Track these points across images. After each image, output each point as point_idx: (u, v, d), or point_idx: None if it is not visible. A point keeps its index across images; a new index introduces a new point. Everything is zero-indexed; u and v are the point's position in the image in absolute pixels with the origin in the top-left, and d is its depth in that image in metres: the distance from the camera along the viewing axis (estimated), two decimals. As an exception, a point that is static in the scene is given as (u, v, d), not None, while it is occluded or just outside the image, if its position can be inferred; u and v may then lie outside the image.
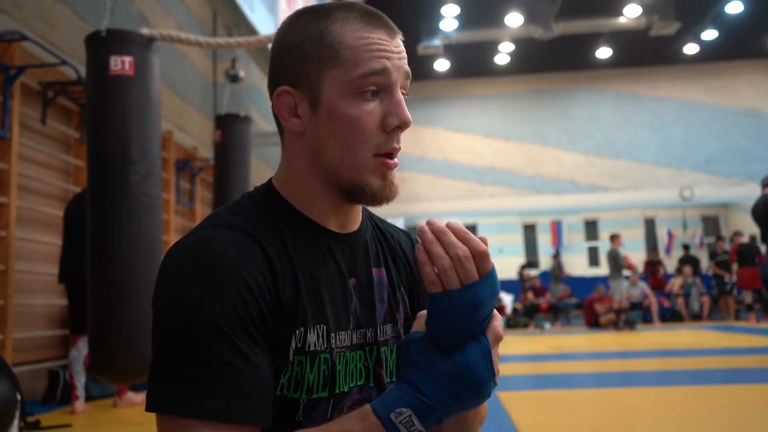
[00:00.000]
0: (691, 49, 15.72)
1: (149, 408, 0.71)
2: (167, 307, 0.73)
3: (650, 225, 17.64)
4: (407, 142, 16.28)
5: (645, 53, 16.03)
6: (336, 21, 0.80)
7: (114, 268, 3.18)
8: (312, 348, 0.79)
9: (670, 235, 16.79)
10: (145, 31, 3.34)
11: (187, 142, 7.45)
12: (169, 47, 6.89)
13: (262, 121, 10.18)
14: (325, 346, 0.80)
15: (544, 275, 15.08)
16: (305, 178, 0.84)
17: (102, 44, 3.23)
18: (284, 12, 10.06)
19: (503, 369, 6.32)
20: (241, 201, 0.85)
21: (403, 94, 0.82)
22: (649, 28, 13.98)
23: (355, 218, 0.89)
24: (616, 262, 10.75)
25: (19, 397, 3.21)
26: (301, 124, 0.82)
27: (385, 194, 0.82)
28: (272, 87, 0.85)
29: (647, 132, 17.10)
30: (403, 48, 0.83)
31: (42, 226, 4.82)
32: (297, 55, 0.81)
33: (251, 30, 8.21)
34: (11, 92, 4.28)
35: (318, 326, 0.79)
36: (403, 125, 0.81)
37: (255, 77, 9.95)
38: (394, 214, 14.88)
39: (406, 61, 0.83)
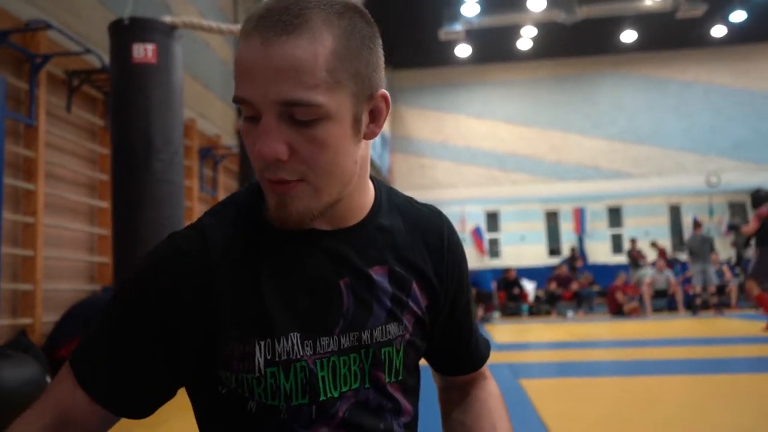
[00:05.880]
0: (718, 31, 15.39)
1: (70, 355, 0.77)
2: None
3: (675, 212, 17.38)
4: (430, 128, 16.25)
5: (671, 36, 15.73)
6: (241, 32, 0.71)
7: (135, 255, 3.19)
8: (284, 357, 0.74)
9: (696, 223, 16.53)
10: (167, 18, 3.35)
11: (209, 130, 7.50)
12: (190, 35, 6.92)
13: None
14: (300, 354, 0.75)
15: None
16: None
17: (125, 32, 3.26)
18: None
19: (527, 357, 6.18)
20: (227, 199, 0.83)
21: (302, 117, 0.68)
22: (675, 10, 13.70)
23: (348, 214, 0.80)
24: (712, 246, 11.11)
25: (48, 379, 3.29)
26: None
27: (277, 216, 0.74)
28: None
29: (673, 117, 16.81)
30: (282, 58, 0.67)
31: (69, 212, 4.89)
32: None
33: (272, 17, 8.20)
34: (37, 81, 4.34)
35: (292, 334, 0.75)
36: (259, 158, 0.69)
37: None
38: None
39: (287, 75, 0.67)
